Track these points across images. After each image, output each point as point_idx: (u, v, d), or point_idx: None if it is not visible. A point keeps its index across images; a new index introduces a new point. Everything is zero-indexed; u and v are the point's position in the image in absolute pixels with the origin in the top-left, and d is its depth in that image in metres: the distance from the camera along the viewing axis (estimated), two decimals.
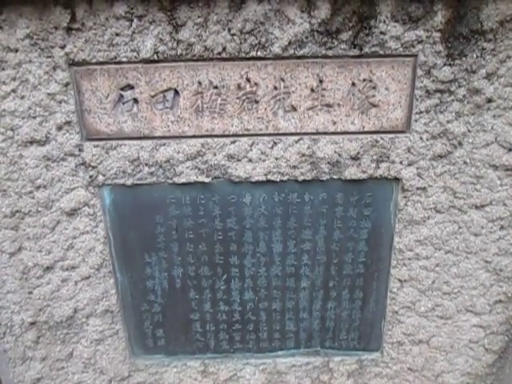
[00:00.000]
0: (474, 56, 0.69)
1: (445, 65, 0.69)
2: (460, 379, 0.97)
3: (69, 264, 0.84)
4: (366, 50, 0.69)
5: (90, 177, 0.77)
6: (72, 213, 0.80)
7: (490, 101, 0.72)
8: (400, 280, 0.86)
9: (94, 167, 0.76)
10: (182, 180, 0.78)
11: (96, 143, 0.75)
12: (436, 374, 0.96)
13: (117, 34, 0.68)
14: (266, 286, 0.87)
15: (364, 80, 0.71)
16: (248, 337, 0.92)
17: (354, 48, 0.69)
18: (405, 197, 0.79)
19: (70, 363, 0.95)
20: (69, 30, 0.68)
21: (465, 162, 0.76)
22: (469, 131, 0.74)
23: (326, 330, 0.92)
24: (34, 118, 0.73)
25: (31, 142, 0.75)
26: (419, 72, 0.70)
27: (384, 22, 0.67)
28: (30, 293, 0.87)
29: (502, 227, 0.81)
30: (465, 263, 0.85)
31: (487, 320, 0.90)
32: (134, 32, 0.68)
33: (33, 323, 0.90)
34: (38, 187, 0.78)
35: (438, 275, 0.85)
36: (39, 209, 0.80)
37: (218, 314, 0.90)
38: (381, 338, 0.93)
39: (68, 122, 0.73)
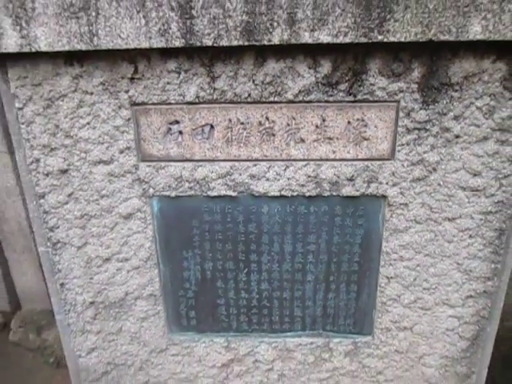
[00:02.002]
0: (444, 102, 0.88)
1: (421, 109, 0.89)
2: (439, 361, 1.16)
3: (123, 257, 1.07)
4: (359, 97, 0.89)
5: (143, 189, 0.99)
6: (128, 216, 1.02)
7: (457, 136, 0.91)
8: (387, 277, 1.06)
9: (146, 182, 0.98)
10: (214, 193, 0.99)
11: (149, 164, 0.97)
12: (419, 356, 1.15)
13: (168, 83, 0.89)
14: (278, 279, 1.08)
15: (357, 120, 0.91)
16: (263, 320, 1.13)
17: (350, 95, 0.89)
18: (390, 210, 0.98)
19: (119, 336, 1.17)
20: (132, 79, 0.90)
21: (439, 184, 0.95)
22: (441, 160, 0.93)
23: (327, 316, 1.12)
24: (102, 143, 0.95)
25: (99, 162, 0.97)
26: (401, 114, 0.89)
27: (373, 76, 0.87)
28: (91, 278, 1.10)
29: (470, 236, 1.00)
30: (440, 264, 1.04)
31: (461, 312, 1.09)
32: (181, 82, 0.89)
33: (92, 303, 1.13)
34: (102, 196, 1.01)
35: (418, 274, 1.05)
36: (102, 213, 1.02)
37: (240, 301, 1.11)
38: (372, 325, 1.13)
39: (128, 148, 0.95)
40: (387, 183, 0.96)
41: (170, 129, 0.93)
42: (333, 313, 1.11)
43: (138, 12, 0.80)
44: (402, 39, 0.79)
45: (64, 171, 0.98)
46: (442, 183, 0.95)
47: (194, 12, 0.79)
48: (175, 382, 1.22)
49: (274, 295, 1.10)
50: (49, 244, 1.07)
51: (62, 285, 1.11)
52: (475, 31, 0.79)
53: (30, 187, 1.02)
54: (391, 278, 1.05)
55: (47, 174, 0.99)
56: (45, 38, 0.84)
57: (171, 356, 1.18)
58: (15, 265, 1.97)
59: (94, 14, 0.81)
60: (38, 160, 0.98)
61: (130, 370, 1.21)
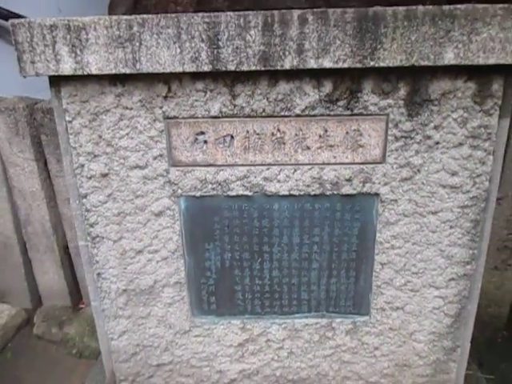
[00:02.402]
0: (426, 115, 1.07)
1: (406, 121, 1.07)
2: (428, 337, 1.33)
3: (153, 249, 1.23)
4: (355, 111, 1.06)
5: (173, 190, 1.16)
6: (158, 214, 1.19)
7: (437, 143, 1.09)
8: (381, 263, 1.23)
9: (175, 184, 1.15)
10: (233, 193, 1.16)
11: (178, 168, 1.14)
12: (410, 333, 1.33)
13: (196, 100, 1.07)
14: (287, 267, 1.25)
15: (354, 130, 1.08)
16: (274, 303, 1.30)
17: (348, 110, 1.06)
18: (382, 206, 1.16)
19: (148, 320, 1.34)
20: (165, 97, 1.07)
21: (423, 183, 1.13)
22: (424, 162, 1.11)
23: (329, 299, 1.29)
24: (139, 151, 1.13)
25: (135, 167, 1.14)
26: (390, 125, 1.07)
27: (366, 94, 1.05)
28: (125, 268, 1.26)
29: (450, 226, 1.18)
30: (426, 251, 1.21)
31: (445, 292, 1.26)
32: (207, 99, 1.07)
33: (124, 290, 1.29)
34: (137, 196, 1.18)
35: (407, 260, 1.22)
36: (137, 211, 1.19)
37: (254, 286, 1.28)
38: (369, 306, 1.30)
39: (160, 155, 1.12)
40: (379, 183, 1.13)
41: (196, 139, 1.11)
42: (335, 296, 1.29)
43: (175, 43, 0.98)
44: (390, 64, 0.98)
45: (105, 175, 1.15)
46: (425, 182, 1.13)
47: (220, 43, 0.97)
48: (196, 360, 1.38)
49: (283, 281, 1.27)
50: (88, 238, 1.23)
51: (98, 274, 1.27)
52: (449, 57, 0.97)
53: (75, 188, 1.19)
54: (384, 264, 1.23)
55: (90, 178, 1.16)
56: (95, 64, 1.01)
57: (194, 337, 1.35)
58: (37, 264, 2.13)
59: (137, 44, 0.99)
60: (82, 165, 1.15)
61: (156, 351, 1.38)
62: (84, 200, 1.19)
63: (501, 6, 0.94)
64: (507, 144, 1.63)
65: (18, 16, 2.42)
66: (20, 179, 1.95)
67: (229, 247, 1.23)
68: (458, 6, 0.95)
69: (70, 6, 3.07)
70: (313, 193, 1.16)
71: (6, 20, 2.39)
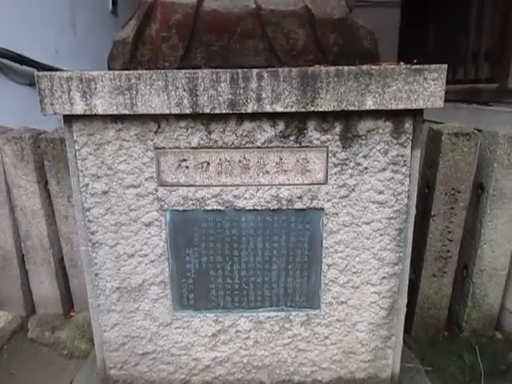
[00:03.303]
0: (356, 147, 1.39)
1: (341, 151, 1.39)
2: (368, 327, 1.62)
3: (143, 253, 1.51)
4: (303, 144, 1.38)
5: (160, 205, 1.45)
6: (148, 224, 1.48)
7: (366, 168, 1.41)
8: (327, 265, 1.53)
9: (162, 200, 1.45)
10: (209, 208, 1.46)
11: (165, 187, 1.43)
12: (353, 324, 1.62)
13: (179, 135, 1.38)
14: (253, 268, 1.54)
15: (303, 158, 1.40)
16: (242, 299, 1.58)
17: (297, 143, 1.38)
18: (327, 218, 1.47)
19: (136, 314, 1.60)
20: (156, 132, 1.38)
21: (357, 199, 1.45)
22: (357, 183, 1.43)
23: (287, 295, 1.58)
24: (133, 174, 1.42)
25: (130, 186, 1.43)
26: (329, 155, 1.39)
27: (311, 131, 1.37)
28: (119, 270, 1.54)
29: (380, 234, 1.49)
30: (363, 255, 1.52)
31: (379, 289, 1.57)
32: (188, 134, 1.37)
33: (117, 288, 1.56)
34: (131, 210, 1.46)
35: (348, 262, 1.53)
36: (130, 222, 1.47)
37: (226, 285, 1.56)
38: (319, 300, 1.59)
39: (151, 177, 1.42)
40: (323, 200, 1.45)
41: (180, 164, 1.41)
42: (291, 292, 1.58)
43: (163, 92, 1.29)
44: (326, 109, 1.30)
45: (105, 192, 1.44)
46: (359, 199, 1.45)
47: (198, 92, 1.28)
48: (176, 349, 1.64)
49: (250, 280, 1.56)
50: (89, 244, 1.51)
51: (96, 275, 1.54)
52: (369, 104, 1.30)
53: (79, 203, 1.47)
54: (330, 265, 1.53)
55: (93, 194, 1.44)
56: (101, 106, 1.31)
57: (174, 329, 1.61)
58: (34, 275, 2.37)
59: (134, 92, 1.29)
60: (87, 184, 1.44)
61: (142, 341, 1.64)
62: (87, 213, 1.47)
63: (404, 66, 1.29)
64: (436, 171, 1.98)
65: (21, 56, 2.72)
66: (22, 199, 2.21)
67: (205, 252, 1.52)
68: (374, 66, 1.29)
69: (65, 48, 3.40)
70: (272, 208, 1.46)
71: (13, 61, 2.69)
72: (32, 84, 3.00)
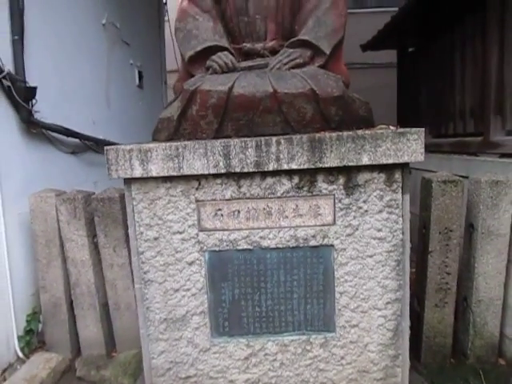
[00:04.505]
0: (357, 194, 1.74)
1: (345, 198, 1.74)
2: (377, 347, 1.89)
3: (186, 288, 1.83)
4: (314, 193, 1.74)
5: (201, 247, 1.79)
6: (191, 263, 1.81)
7: (366, 211, 1.75)
8: (339, 293, 1.83)
9: (202, 243, 1.79)
10: (240, 248, 1.79)
11: (204, 232, 1.78)
12: (364, 345, 1.89)
13: (216, 190, 1.74)
14: (277, 297, 1.85)
15: (315, 205, 1.75)
16: (269, 325, 1.87)
17: (309, 193, 1.73)
18: (336, 253, 1.79)
19: (180, 341, 1.89)
20: (197, 188, 1.74)
21: (360, 237, 1.78)
22: (360, 223, 1.76)
23: (307, 320, 1.87)
24: (179, 222, 1.77)
25: (177, 232, 1.78)
26: (336, 201, 1.74)
27: (320, 183, 1.72)
28: (166, 303, 1.85)
29: (382, 265, 1.80)
30: (369, 283, 1.82)
31: (385, 312, 1.85)
32: (223, 189, 1.74)
33: (165, 319, 1.87)
34: (177, 252, 1.80)
35: (357, 290, 1.83)
36: (176, 262, 1.81)
37: (255, 313, 1.86)
38: (334, 324, 1.87)
39: (193, 224, 1.77)
40: (333, 238, 1.78)
41: (216, 213, 1.76)
42: (310, 318, 1.87)
43: (204, 157, 1.67)
44: (331, 165, 1.66)
45: (156, 238, 1.79)
46: (362, 236, 1.78)
47: (231, 156, 1.66)
48: (214, 373, 1.92)
49: (275, 308, 1.86)
50: (142, 282, 1.84)
51: (147, 308, 1.86)
52: (365, 160, 1.66)
53: (135, 248, 1.82)
54: (342, 293, 1.83)
55: (146, 240, 1.79)
56: (155, 170, 1.69)
57: (212, 354, 1.90)
58: (81, 319, 2.67)
59: (181, 158, 1.67)
60: (141, 232, 1.79)
61: (184, 366, 1.91)
62: (141, 256, 1.81)
63: (390, 131, 1.66)
64: (430, 213, 2.30)
65: (67, 130, 3.17)
66: (73, 251, 2.56)
67: (237, 285, 1.83)
68: (367, 131, 1.66)
69: (101, 118, 3.89)
70: (291, 246, 1.79)
71: (61, 134, 3.14)
72: (74, 152, 3.45)
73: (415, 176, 2.80)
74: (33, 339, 2.76)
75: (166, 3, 6.17)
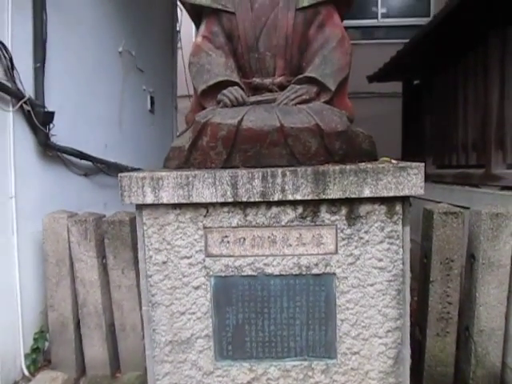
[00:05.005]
0: (359, 225, 1.80)
1: (347, 228, 1.80)
2: (378, 375, 1.92)
3: (192, 311, 1.89)
4: (317, 223, 1.81)
5: (207, 272, 1.86)
6: (197, 287, 1.87)
7: (367, 241, 1.81)
8: (341, 320, 1.88)
9: (209, 268, 1.85)
10: (244, 274, 1.85)
11: (211, 258, 1.85)
12: (365, 372, 1.92)
13: (223, 217, 1.81)
14: (279, 323, 1.89)
15: (317, 234, 1.81)
16: (272, 350, 1.92)
17: (312, 222, 1.81)
18: (338, 281, 1.85)
19: (184, 364, 1.94)
20: (205, 216, 1.82)
21: (362, 266, 1.83)
22: (361, 253, 1.82)
23: (309, 347, 1.91)
24: (187, 247, 1.84)
25: (184, 257, 1.85)
26: (338, 231, 1.81)
27: (323, 213, 1.80)
28: (172, 325, 1.91)
29: (383, 294, 1.85)
30: (369, 311, 1.87)
31: (386, 340, 1.89)
32: (229, 217, 1.81)
33: (170, 341, 1.92)
34: (184, 276, 1.87)
35: (358, 317, 1.88)
36: (183, 286, 1.87)
37: (258, 338, 1.91)
38: (336, 351, 1.91)
39: (200, 250, 1.84)
40: (335, 266, 1.84)
41: (223, 240, 1.84)
42: (312, 344, 1.91)
43: (212, 186, 1.75)
44: (334, 197, 1.74)
45: (164, 262, 1.86)
46: (363, 265, 1.83)
47: (238, 186, 1.74)
48: None
49: (277, 333, 1.90)
50: (149, 304, 1.90)
51: (153, 330, 1.91)
52: (367, 193, 1.74)
53: (144, 271, 1.89)
54: (343, 320, 1.88)
55: (155, 264, 1.86)
56: (165, 197, 1.77)
57: (216, 377, 1.94)
58: (87, 339, 2.72)
59: (191, 187, 1.76)
60: (151, 256, 1.86)
61: None
62: (149, 279, 1.88)
63: (391, 165, 1.74)
64: (431, 243, 2.36)
65: (81, 153, 3.29)
66: (83, 271, 2.64)
67: (241, 310, 1.89)
68: (369, 165, 1.74)
69: (113, 142, 4.01)
70: (294, 273, 1.85)
71: (75, 156, 3.25)
72: (87, 175, 3.56)
73: (418, 205, 2.86)
74: (39, 357, 2.82)
75: (179, 31, 6.37)
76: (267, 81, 2.03)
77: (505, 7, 2.90)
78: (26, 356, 2.73)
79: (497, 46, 3.03)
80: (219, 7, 2.03)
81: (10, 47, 2.55)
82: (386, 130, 6.11)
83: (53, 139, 2.95)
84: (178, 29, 6.37)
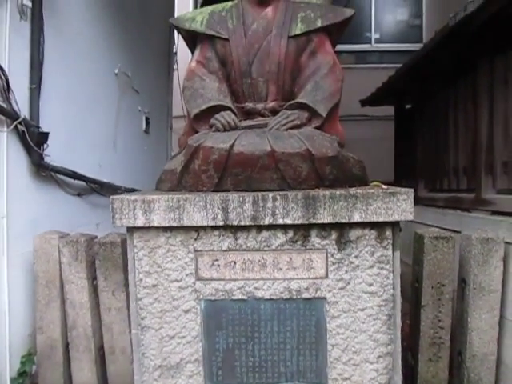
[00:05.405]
0: (349, 249, 1.81)
1: (338, 252, 1.81)
2: None
3: (182, 335, 1.87)
4: (308, 247, 1.81)
5: (197, 296, 1.85)
6: (187, 311, 1.86)
7: (358, 266, 1.82)
8: (331, 345, 1.87)
9: (199, 291, 1.85)
10: (235, 298, 1.85)
11: (201, 281, 1.84)
12: None
13: (213, 241, 1.82)
14: (270, 348, 1.88)
15: (308, 258, 1.82)
16: (262, 375, 1.90)
17: (303, 246, 1.81)
18: (329, 305, 1.84)
19: None
20: (195, 239, 1.82)
21: (352, 290, 1.83)
22: (351, 278, 1.82)
23: (299, 372, 1.89)
24: (177, 271, 1.84)
25: (174, 280, 1.84)
26: (328, 255, 1.81)
27: (313, 237, 1.80)
28: (161, 350, 1.89)
29: (374, 319, 1.85)
30: (360, 336, 1.86)
31: (377, 366, 1.87)
32: (220, 240, 1.81)
33: (159, 366, 1.90)
34: (174, 299, 1.86)
35: (348, 342, 1.86)
36: (173, 309, 1.86)
37: (248, 362, 1.89)
38: (326, 377, 1.89)
39: (191, 273, 1.83)
40: (325, 291, 1.83)
41: (213, 263, 1.83)
42: (303, 369, 1.89)
43: (203, 210, 1.76)
44: (324, 222, 1.75)
45: (154, 285, 1.85)
46: (354, 290, 1.83)
47: (229, 210, 1.75)
48: None
49: (268, 358, 1.89)
50: (139, 328, 1.88)
51: (143, 354, 1.89)
52: (357, 218, 1.75)
53: (134, 294, 1.88)
54: (334, 345, 1.87)
55: (145, 287, 1.85)
56: (156, 220, 1.78)
57: None
58: (76, 362, 2.68)
59: (182, 210, 1.76)
60: (141, 279, 1.85)
61: None
62: (139, 302, 1.87)
63: (381, 190, 1.75)
64: (422, 268, 2.37)
65: (75, 173, 3.30)
66: (73, 293, 2.61)
67: (231, 334, 1.88)
68: (359, 190, 1.76)
69: (107, 162, 4.03)
70: (285, 297, 1.85)
71: (69, 177, 3.26)
72: (80, 194, 3.56)
73: (410, 228, 2.88)
74: (26, 381, 2.76)
75: (175, 53, 6.46)
76: (259, 106, 2.06)
77: (492, 37, 2.97)
78: (13, 380, 2.67)
79: (485, 74, 3.10)
80: (213, 33, 2.07)
81: (6, 69, 2.57)
82: (379, 152, 6.18)
83: (46, 159, 2.96)
84: (174, 50, 6.46)
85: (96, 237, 2.67)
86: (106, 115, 4.06)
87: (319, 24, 2.07)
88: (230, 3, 2.17)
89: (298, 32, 2.05)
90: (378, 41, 8.71)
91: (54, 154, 3.03)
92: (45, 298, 2.66)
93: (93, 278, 2.62)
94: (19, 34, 2.72)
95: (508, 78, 2.90)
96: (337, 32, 2.20)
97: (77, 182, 3.46)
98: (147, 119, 5.10)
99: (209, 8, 2.18)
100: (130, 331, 2.09)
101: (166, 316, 1.87)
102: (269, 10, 2.10)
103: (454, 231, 3.00)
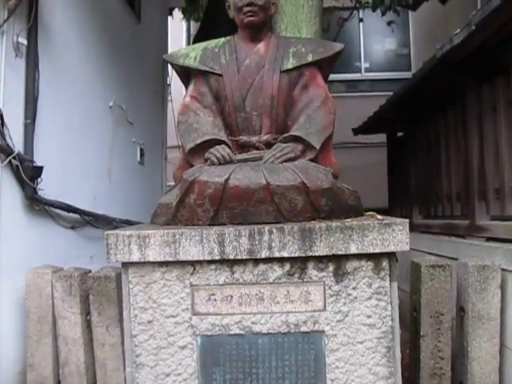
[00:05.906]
0: (346, 281, 1.80)
1: (335, 285, 1.79)
2: None
3: (178, 372, 1.83)
4: (305, 280, 1.80)
5: (193, 331, 1.82)
6: (183, 347, 1.82)
7: (355, 297, 1.80)
8: (331, 379, 1.83)
9: (195, 327, 1.82)
10: (232, 333, 1.82)
11: (197, 316, 1.81)
12: None
13: (210, 275, 1.80)
14: (269, 383, 1.84)
15: (305, 291, 1.80)
16: None
17: (300, 279, 1.80)
18: (327, 338, 1.82)
19: None
20: (192, 273, 1.80)
21: (351, 323, 1.81)
22: (350, 310, 1.81)
23: None
24: (173, 306, 1.81)
25: (170, 316, 1.81)
26: (326, 288, 1.80)
27: (310, 270, 1.79)
28: None
29: (373, 352, 1.82)
30: (360, 370, 1.83)
31: None
32: (216, 274, 1.80)
33: None
34: (170, 335, 1.82)
35: (348, 376, 1.83)
36: (168, 345, 1.82)
37: None
38: None
39: (187, 308, 1.81)
40: (324, 323, 1.81)
41: (209, 298, 1.81)
42: None
43: (199, 244, 1.75)
44: (321, 254, 1.74)
45: (150, 321, 1.82)
46: (352, 322, 1.81)
47: (225, 244, 1.74)
48: None
49: None
50: (134, 365, 1.84)
51: None
52: (353, 249, 1.75)
53: (128, 331, 1.84)
54: (333, 380, 1.83)
55: (140, 323, 1.82)
56: (152, 255, 1.76)
57: None
58: None
59: (178, 244, 1.75)
60: (136, 315, 1.82)
61: None
62: (134, 338, 1.83)
63: (376, 221, 1.76)
64: (420, 297, 2.35)
65: (69, 206, 3.28)
66: (66, 329, 2.56)
67: (229, 370, 1.84)
68: (354, 222, 1.76)
69: (101, 194, 4.02)
70: (283, 331, 1.82)
71: (63, 210, 3.24)
72: (74, 227, 3.53)
73: (407, 255, 2.87)
74: None
75: (169, 84, 6.55)
76: (254, 139, 2.08)
77: (478, 67, 3.05)
78: None
79: (474, 101, 3.16)
80: (207, 69, 2.11)
81: (1, 104, 2.60)
82: (373, 178, 6.23)
83: (40, 193, 2.95)
84: (168, 82, 6.55)
85: (90, 271, 2.64)
86: (100, 147, 4.08)
87: (310, 59, 2.11)
88: (222, 39, 2.22)
89: (289, 66, 2.09)
90: (367, 70, 8.90)
91: (48, 187, 3.02)
92: (36, 334, 2.60)
93: (86, 313, 2.58)
94: (14, 70, 2.75)
95: (496, 105, 2.96)
96: (327, 65, 2.25)
97: (71, 214, 3.45)
98: (142, 150, 5.13)
99: (202, 44, 2.23)
100: (125, 368, 2.04)
101: (161, 353, 1.83)
102: (261, 46, 2.15)
103: (451, 258, 3.00)
